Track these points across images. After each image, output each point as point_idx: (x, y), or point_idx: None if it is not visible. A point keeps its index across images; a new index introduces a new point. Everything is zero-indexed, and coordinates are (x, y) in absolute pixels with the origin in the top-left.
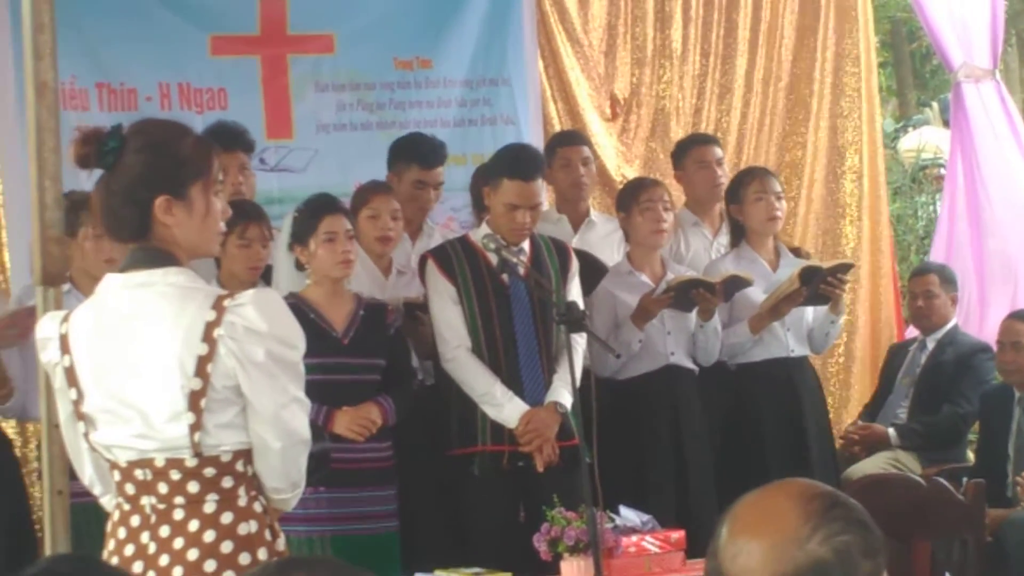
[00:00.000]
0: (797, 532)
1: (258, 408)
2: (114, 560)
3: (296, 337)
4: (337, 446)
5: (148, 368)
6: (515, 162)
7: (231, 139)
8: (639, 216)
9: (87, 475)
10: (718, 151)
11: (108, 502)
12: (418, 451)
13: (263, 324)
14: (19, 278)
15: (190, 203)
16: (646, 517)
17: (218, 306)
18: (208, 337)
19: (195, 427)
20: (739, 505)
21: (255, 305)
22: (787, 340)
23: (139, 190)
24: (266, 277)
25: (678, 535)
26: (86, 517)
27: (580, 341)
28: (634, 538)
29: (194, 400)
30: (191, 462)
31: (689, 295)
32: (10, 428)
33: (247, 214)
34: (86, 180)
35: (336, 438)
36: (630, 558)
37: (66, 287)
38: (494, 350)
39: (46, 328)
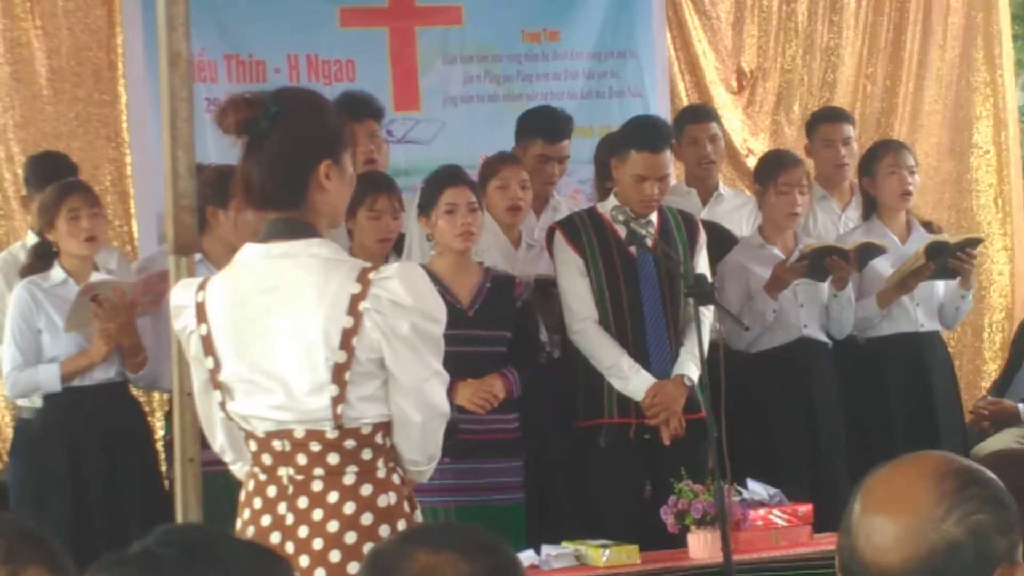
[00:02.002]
0: (931, 513)
1: (401, 381)
2: (250, 530)
3: (439, 311)
4: (463, 417)
5: (291, 340)
6: (643, 133)
7: (361, 107)
8: (774, 196)
9: (219, 442)
10: (846, 129)
11: (239, 470)
12: (545, 423)
13: (408, 298)
14: (147, 248)
15: (343, 169)
16: (774, 491)
17: (363, 279)
18: (353, 310)
19: (338, 399)
20: (871, 481)
21: (400, 279)
22: (916, 315)
23: (304, 154)
24: (397, 248)
25: (805, 509)
26: (216, 486)
27: (708, 314)
28: (761, 511)
29: (338, 373)
30: (332, 434)
31: (823, 264)
32: (139, 398)
33: (376, 185)
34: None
35: (461, 409)
36: (757, 531)
37: (197, 257)
38: (621, 322)
39: (181, 296)
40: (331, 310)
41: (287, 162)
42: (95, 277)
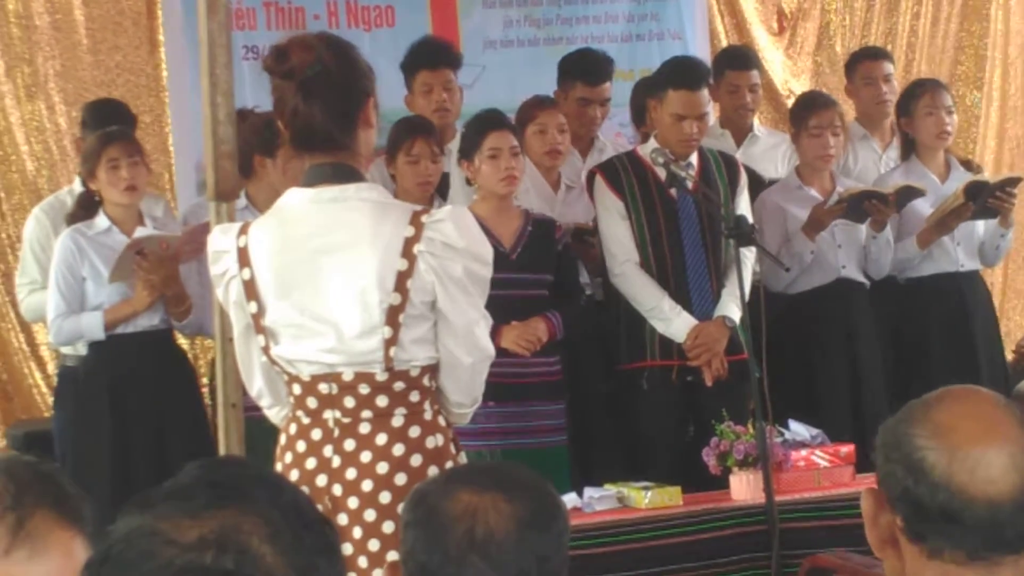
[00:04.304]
0: (1022, 439)
1: (453, 323)
2: (293, 473)
3: (488, 255)
4: (506, 360)
5: (343, 282)
6: (680, 72)
7: (437, 55)
8: (807, 139)
9: (256, 387)
10: (887, 67)
11: (275, 415)
12: (588, 366)
13: (461, 241)
14: (186, 196)
15: (378, 105)
16: (815, 431)
17: (415, 222)
18: (408, 252)
19: (390, 342)
20: (940, 415)
21: (453, 221)
22: (957, 254)
23: (356, 92)
24: (443, 191)
25: (847, 449)
26: (262, 431)
27: (749, 255)
28: (803, 452)
29: (392, 315)
30: (381, 376)
31: (862, 206)
32: (183, 344)
33: (414, 129)
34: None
35: (503, 352)
36: (799, 472)
37: (243, 203)
38: (662, 265)
39: (220, 241)
40: (385, 253)
41: (345, 101)
42: (141, 231)
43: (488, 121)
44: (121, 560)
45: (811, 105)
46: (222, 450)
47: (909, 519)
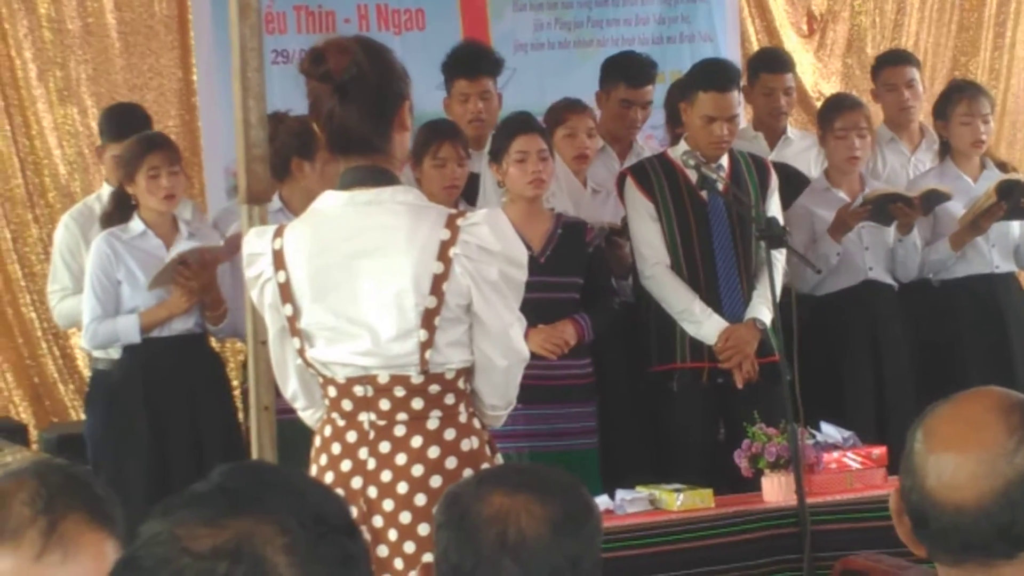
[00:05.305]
0: (1003, 446)
1: (488, 326)
2: (328, 475)
3: (523, 258)
4: (537, 363)
5: (379, 285)
6: (710, 74)
7: (475, 64)
8: (833, 141)
9: (290, 389)
10: (909, 71)
11: (309, 417)
12: (618, 368)
13: (497, 244)
14: (215, 200)
15: (411, 113)
16: (847, 433)
17: (451, 225)
18: (443, 255)
19: (426, 344)
20: (933, 419)
21: (489, 224)
22: (991, 256)
23: (392, 96)
24: (468, 195)
25: (879, 451)
26: (295, 433)
27: (780, 257)
28: (835, 454)
29: (428, 318)
30: (417, 379)
31: (887, 209)
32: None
33: (441, 133)
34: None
35: (532, 355)
36: (831, 474)
37: (277, 206)
38: (693, 267)
39: (255, 243)
40: (421, 256)
41: (381, 104)
42: (183, 244)
43: (516, 124)
44: (141, 565)
45: (837, 107)
46: (255, 453)
47: (911, 519)
